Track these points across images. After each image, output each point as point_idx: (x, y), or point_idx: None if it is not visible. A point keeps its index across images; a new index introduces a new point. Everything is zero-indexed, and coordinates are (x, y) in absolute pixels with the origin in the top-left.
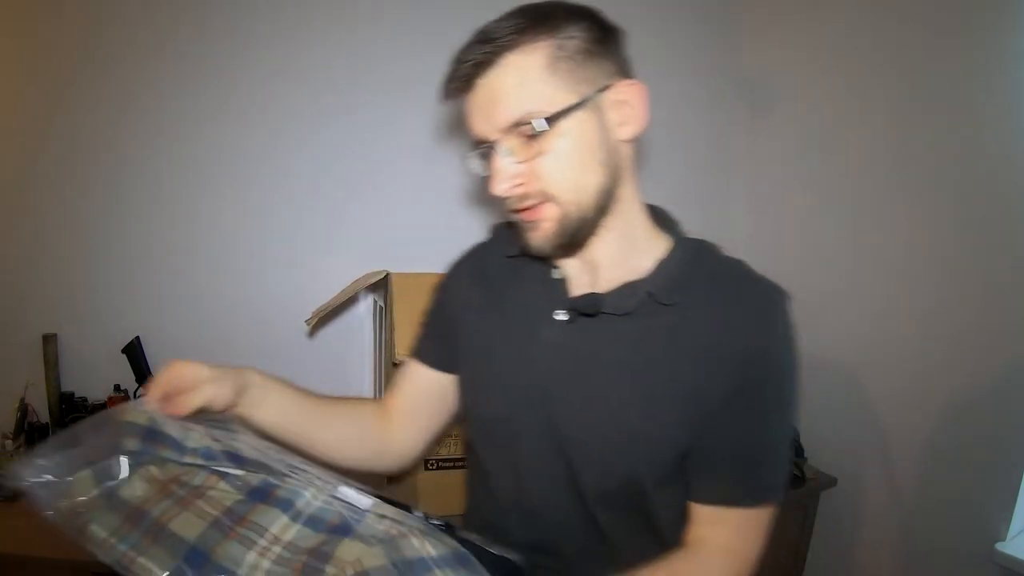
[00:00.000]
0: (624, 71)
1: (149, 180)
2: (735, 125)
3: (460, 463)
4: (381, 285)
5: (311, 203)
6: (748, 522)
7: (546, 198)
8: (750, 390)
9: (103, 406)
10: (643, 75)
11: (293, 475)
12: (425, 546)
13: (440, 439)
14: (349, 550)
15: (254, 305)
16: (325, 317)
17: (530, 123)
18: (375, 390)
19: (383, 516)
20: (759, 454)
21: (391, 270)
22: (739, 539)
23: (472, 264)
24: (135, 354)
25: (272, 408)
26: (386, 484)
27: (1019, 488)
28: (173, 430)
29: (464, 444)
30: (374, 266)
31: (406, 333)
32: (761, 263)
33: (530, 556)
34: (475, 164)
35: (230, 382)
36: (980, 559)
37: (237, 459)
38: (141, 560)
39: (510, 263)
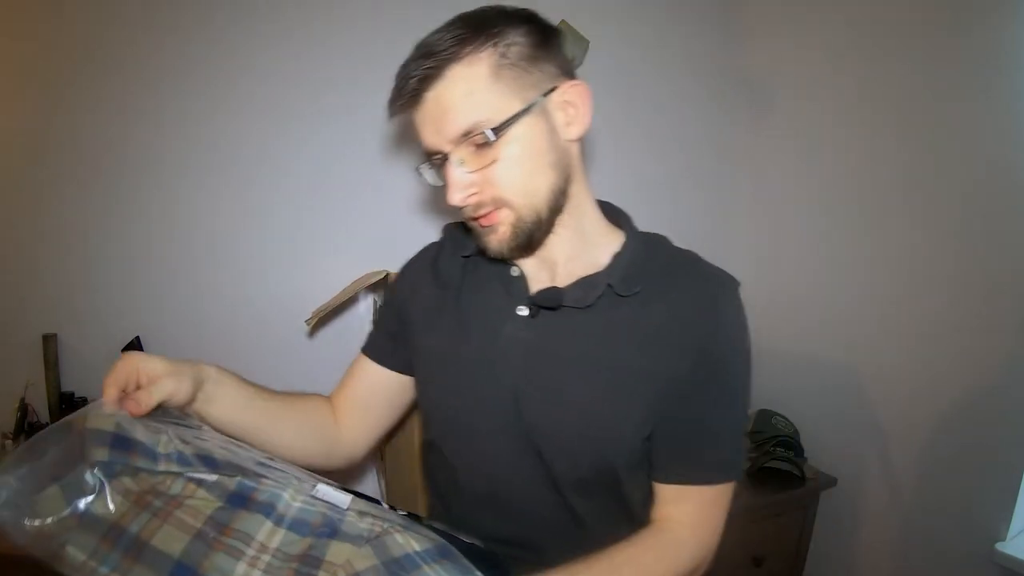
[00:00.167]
0: (566, 71)
1: (149, 180)
2: (736, 125)
3: None
4: (381, 285)
5: (311, 203)
6: (710, 498)
7: (501, 204)
8: (705, 374)
9: None
10: (643, 75)
11: (267, 475)
12: (409, 542)
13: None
14: (338, 552)
15: (254, 305)
16: (325, 317)
17: (480, 132)
18: None
19: (364, 513)
20: (718, 433)
21: (391, 270)
22: (703, 515)
23: (425, 264)
24: None
25: (227, 403)
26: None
27: (1019, 488)
28: (143, 435)
29: (422, 444)
30: (374, 266)
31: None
32: (762, 263)
33: (507, 550)
34: (428, 175)
35: (188, 376)
36: (980, 559)
37: (210, 462)
38: None
39: (465, 263)
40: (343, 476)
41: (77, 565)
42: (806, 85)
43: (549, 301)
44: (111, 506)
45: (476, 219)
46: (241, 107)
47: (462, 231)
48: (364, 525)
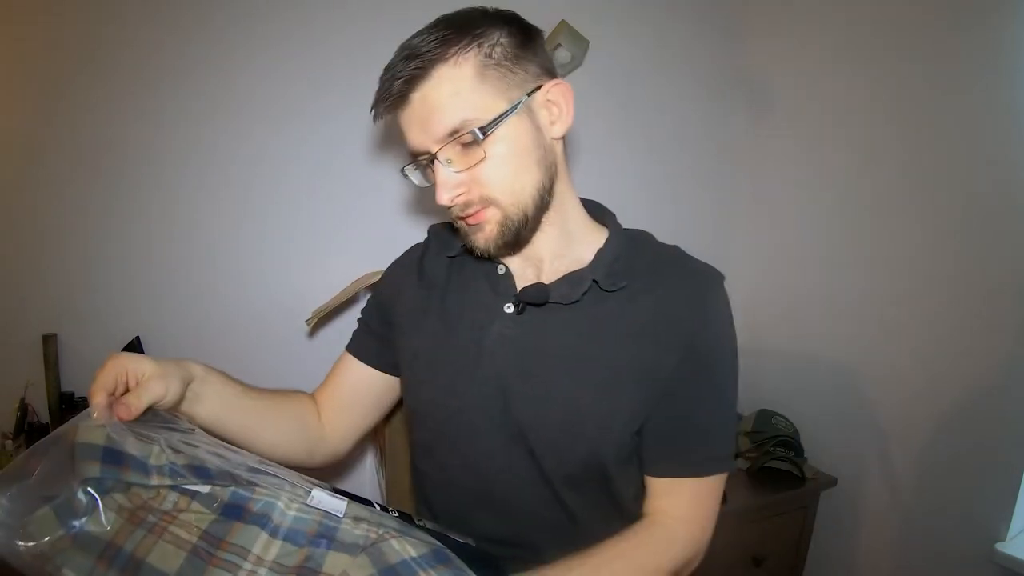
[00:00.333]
0: (548, 71)
1: (149, 180)
2: (736, 125)
3: None
4: None
5: (311, 203)
6: (701, 491)
7: (488, 202)
8: (693, 367)
9: None
10: (643, 75)
11: (260, 482)
12: (405, 548)
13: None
14: (334, 563)
15: (254, 305)
16: (325, 317)
17: (467, 132)
18: None
19: (359, 519)
20: (707, 425)
21: None
22: (694, 507)
23: (410, 265)
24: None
25: (214, 402)
26: (385, 481)
27: (1019, 488)
28: (134, 448)
29: (411, 446)
30: (374, 266)
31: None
32: (762, 263)
33: (500, 549)
34: (413, 176)
35: (176, 376)
36: (980, 559)
37: (203, 472)
38: None
39: (450, 263)
40: (343, 476)
41: None
42: (806, 85)
43: (535, 298)
44: (105, 524)
45: (463, 218)
46: (241, 107)
47: (447, 231)
48: (359, 532)
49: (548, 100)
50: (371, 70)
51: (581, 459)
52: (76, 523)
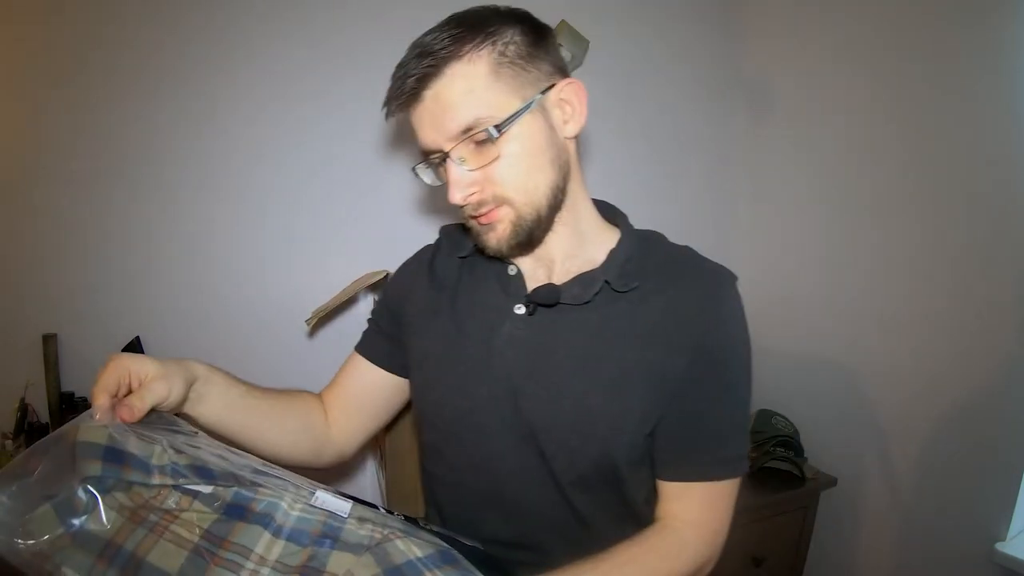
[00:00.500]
0: (561, 70)
1: (149, 180)
2: (736, 125)
3: None
4: (381, 285)
5: (311, 203)
6: (714, 495)
7: (501, 201)
8: (705, 368)
9: None
10: (644, 75)
11: (264, 483)
12: (411, 548)
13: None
14: (339, 562)
15: (254, 305)
16: (325, 317)
17: (481, 130)
18: None
19: (363, 519)
20: (719, 428)
21: (391, 270)
22: (707, 512)
23: (421, 266)
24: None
25: (217, 402)
26: (386, 483)
27: (1019, 488)
28: (135, 447)
29: (420, 448)
30: (374, 266)
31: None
32: (762, 263)
33: (509, 552)
34: (425, 175)
35: (180, 377)
36: (980, 559)
37: (205, 473)
38: None
39: (461, 263)
40: (344, 479)
41: None
42: (806, 85)
43: (546, 298)
44: (105, 523)
45: (476, 217)
46: (240, 107)
47: (459, 231)
48: (364, 532)
49: (561, 99)
50: (371, 70)
51: (592, 461)
52: (76, 521)
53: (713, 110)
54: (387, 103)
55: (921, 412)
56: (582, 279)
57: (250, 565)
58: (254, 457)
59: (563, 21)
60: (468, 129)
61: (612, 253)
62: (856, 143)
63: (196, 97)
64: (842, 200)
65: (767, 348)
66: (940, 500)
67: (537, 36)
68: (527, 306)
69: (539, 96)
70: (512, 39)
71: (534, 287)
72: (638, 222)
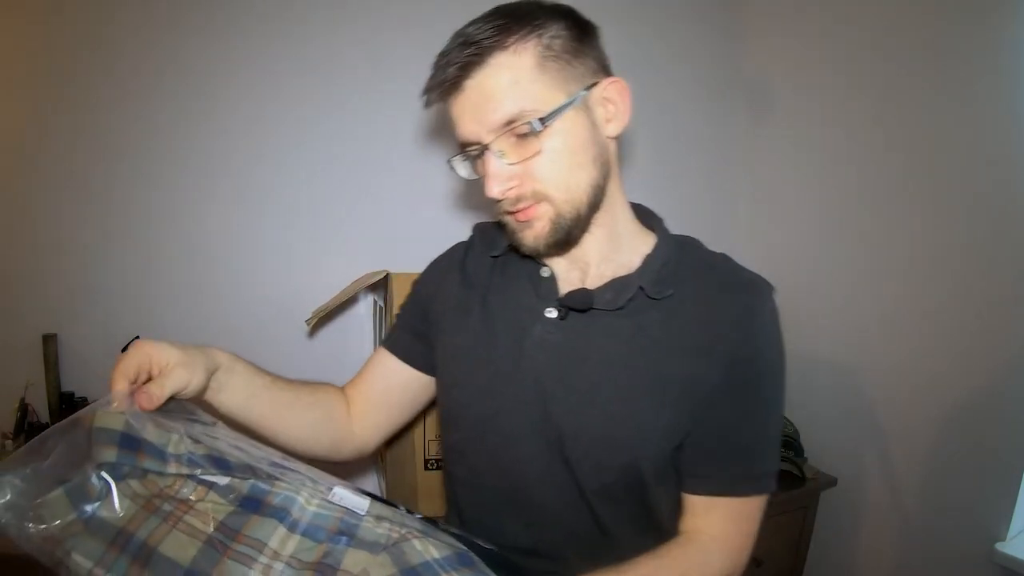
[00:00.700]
0: (605, 68)
1: (148, 180)
2: (736, 126)
3: None
4: (381, 285)
5: (311, 203)
6: (741, 511)
7: (541, 198)
8: (738, 381)
9: None
10: (644, 75)
11: (281, 476)
12: (428, 549)
13: (439, 427)
14: (354, 560)
15: (254, 305)
16: (325, 317)
17: (524, 123)
18: None
19: (380, 518)
20: (749, 444)
21: (391, 270)
22: (732, 528)
23: (454, 263)
24: None
25: (238, 392)
26: (386, 484)
27: (1019, 488)
28: (152, 435)
29: (444, 448)
30: (374, 266)
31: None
32: (763, 263)
33: (528, 560)
34: (461, 168)
35: (201, 365)
36: (980, 559)
37: (222, 463)
38: None
39: (494, 263)
40: (342, 476)
41: (83, 574)
42: (806, 85)
43: (579, 303)
44: (118, 510)
45: (513, 213)
46: (240, 106)
47: (493, 229)
48: (381, 531)
49: (604, 97)
50: (371, 69)
51: (618, 470)
52: (89, 508)
53: (713, 110)
54: (427, 91)
55: (921, 412)
56: (616, 284)
57: (263, 559)
58: (272, 449)
59: None
60: (510, 121)
61: (648, 258)
62: (856, 143)
63: (196, 97)
64: (842, 200)
65: None
66: (940, 500)
67: (582, 32)
68: (559, 310)
69: (583, 92)
70: (558, 33)
71: (567, 290)
72: None
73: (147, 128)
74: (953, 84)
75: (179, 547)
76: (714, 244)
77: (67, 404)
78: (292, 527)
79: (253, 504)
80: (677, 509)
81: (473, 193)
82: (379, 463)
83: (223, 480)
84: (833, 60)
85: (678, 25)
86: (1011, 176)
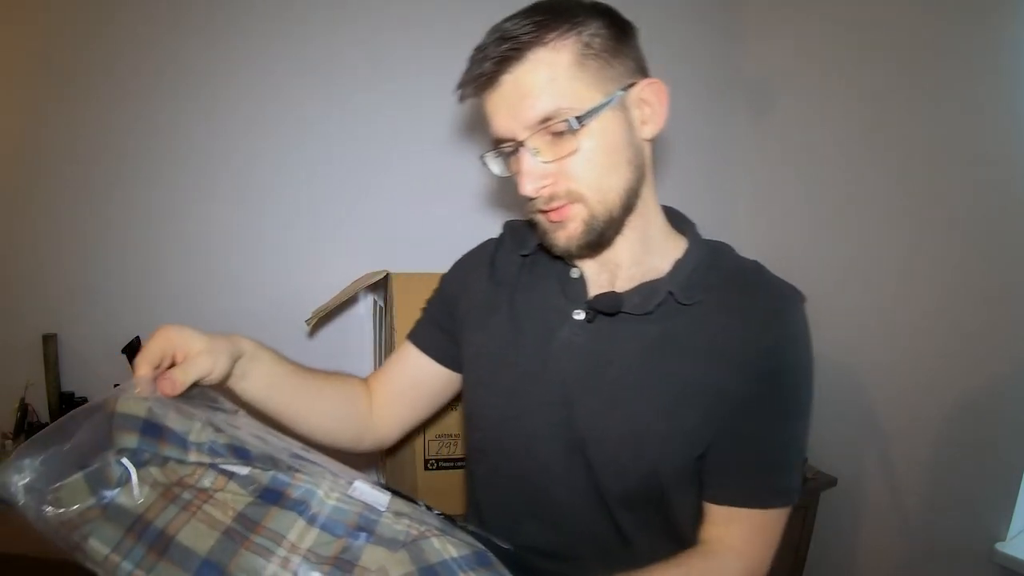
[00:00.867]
0: (643, 69)
1: (148, 180)
2: (737, 126)
3: (460, 463)
4: (381, 285)
5: (311, 203)
6: (762, 523)
7: (575, 198)
8: (765, 391)
9: None
10: None
11: (301, 468)
12: (447, 547)
13: (439, 427)
14: (372, 556)
15: (254, 305)
16: (325, 317)
17: (560, 120)
18: None
19: (400, 514)
20: (773, 455)
21: (391, 270)
22: (753, 540)
23: (483, 259)
24: (135, 354)
25: (261, 380)
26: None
27: (1019, 488)
28: (174, 422)
29: (467, 447)
30: (374, 266)
31: (406, 333)
32: (763, 263)
33: (546, 562)
34: (493, 165)
35: (225, 352)
36: (980, 559)
37: (243, 453)
38: None
39: (523, 261)
40: None
41: (99, 560)
42: (806, 85)
43: (607, 306)
44: (137, 497)
45: (546, 212)
46: (240, 106)
47: (524, 228)
48: (400, 527)
49: (641, 98)
50: (371, 69)
51: (640, 477)
52: (108, 494)
53: (713, 110)
54: (462, 85)
55: (921, 412)
56: (645, 288)
57: (281, 552)
58: (294, 441)
59: None
60: (547, 119)
61: (678, 263)
62: (856, 143)
63: (195, 98)
64: (842, 200)
65: None
66: (940, 500)
67: (622, 32)
68: (587, 312)
69: (621, 92)
70: (598, 31)
71: (595, 293)
72: None
73: (147, 128)
74: (953, 84)
75: (197, 537)
76: None
77: (67, 404)
78: (311, 520)
79: (273, 496)
80: (697, 518)
81: (475, 194)
82: (379, 462)
83: (243, 470)
84: (833, 60)
85: (678, 25)
86: (1011, 176)
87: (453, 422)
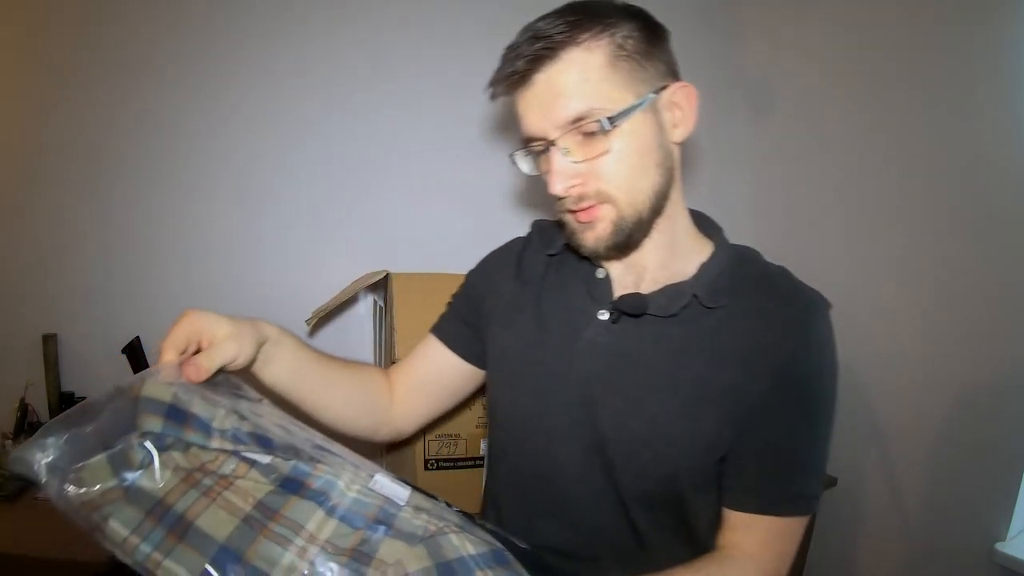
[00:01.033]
0: (674, 72)
1: (148, 180)
2: (737, 126)
3: (460, 463)
4: (381, 285)
5: (311, 203)
6: (781, 530)
7: (604, 199)
8: (787, 397)
9: None
10: None
11: (322, 459)
12: (465, 544)
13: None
14: (390, 550)
15: (254, 305)
16: (325, 317)
17: (592, 120)
18: None
19: (419, 509)
20: (793, 462)
21: (391, 270)
22: (770, 546)
23: (510, 258)
24: (135, 354)
25: (283, 366)
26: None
27: (1019, 488)
28: (199, 408)
29: (489, 445)
30: (374, 266)
31: (407, 333)
32: None
33: (563, 562)
34: (523, 163)
35: (251, 338)
36: (980, 559)
37: (266, 442)
38: (168, 563)
39: (550, 261)
40: None
41: (118, 541)
42: (806, 85)
43: (633, 308)
44: (159, 481)
45: (575, 212)
46: (240, 106)
47: (552, 227)
48: (419, 522)
49: (673, 102)
50: (371, 69)
51: (659, 479)
52: (130, 476)
53: (713, 110)
54: (493, 83)
55: (921, 412)
56: (670, 291)
57: (299, 542)
58: (316, 432)
59: None
60: (579, 119)
61: (704, 267)
62: (856, 143)
63: (195, 98)
64: (841, 199)
65: None
66: (940, 500)
67: (654, 34)
68: (611, 313)
69: (652, 95)
70: (631, 33)
71: (621, 293)
72: None
73: (147, 128)
74: (953, 84)
75: (216, 523)
76: None
77: (67, 404)
78: (331, 511)
79: (294, 485)
80: (716, 522)
81: (474, 193)
82: (379, 461)
83: (265, 459)
84: (833, 60)
85: (678, 25)
86: (1011, 176)
87: (453, 422)
